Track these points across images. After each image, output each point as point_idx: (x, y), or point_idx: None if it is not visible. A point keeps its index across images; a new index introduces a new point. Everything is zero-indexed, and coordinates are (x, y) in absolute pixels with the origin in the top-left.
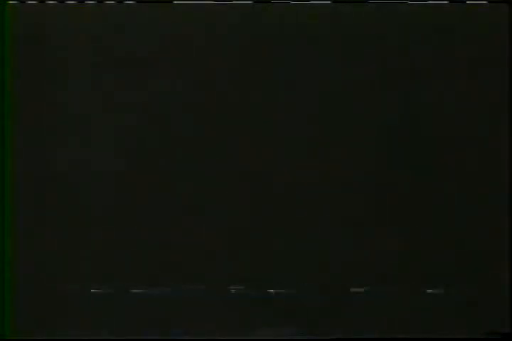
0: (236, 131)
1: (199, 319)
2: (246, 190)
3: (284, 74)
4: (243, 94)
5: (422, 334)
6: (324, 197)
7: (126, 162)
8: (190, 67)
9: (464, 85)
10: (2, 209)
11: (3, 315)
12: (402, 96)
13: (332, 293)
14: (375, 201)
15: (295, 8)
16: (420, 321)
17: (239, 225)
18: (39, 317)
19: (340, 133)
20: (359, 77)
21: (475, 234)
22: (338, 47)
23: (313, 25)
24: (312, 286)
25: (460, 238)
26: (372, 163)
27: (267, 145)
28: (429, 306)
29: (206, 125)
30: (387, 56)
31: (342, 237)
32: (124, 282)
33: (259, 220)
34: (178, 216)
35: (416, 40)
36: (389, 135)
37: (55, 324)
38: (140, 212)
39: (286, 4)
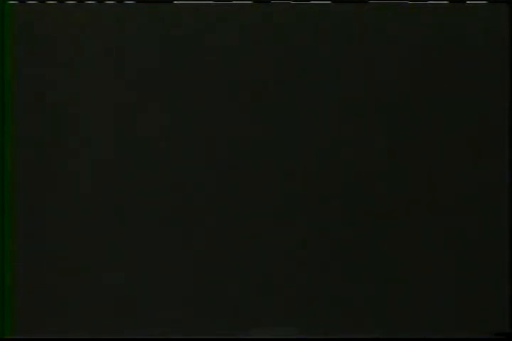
0: (237, 132)
1: None
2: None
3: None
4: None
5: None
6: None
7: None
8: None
9: (463, 85)
10: (2, 210)
11: (3, 315)
12: (402, 95)
13: None
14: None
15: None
16: None
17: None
18: None
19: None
20: (359, 78)
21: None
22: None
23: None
24: None
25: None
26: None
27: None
28: None
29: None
30: (387, 56)
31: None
32: None
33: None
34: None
35: (415, 40)
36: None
37: None
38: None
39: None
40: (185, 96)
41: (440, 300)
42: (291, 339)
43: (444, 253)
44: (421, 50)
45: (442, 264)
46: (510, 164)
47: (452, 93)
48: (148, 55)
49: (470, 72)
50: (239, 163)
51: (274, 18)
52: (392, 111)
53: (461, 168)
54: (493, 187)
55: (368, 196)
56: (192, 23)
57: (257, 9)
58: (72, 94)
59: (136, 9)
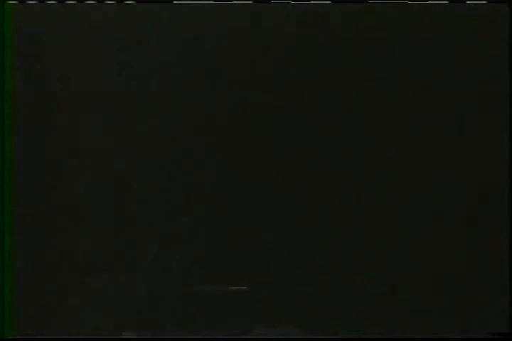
0: (236, 132)
1: None
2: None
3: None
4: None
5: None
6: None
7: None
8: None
9: (463, 85)
10: (2, 209)
11: (3, 315)
12: (400, 94)
13: None
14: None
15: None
16: None
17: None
18: None
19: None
20: (359, 78)
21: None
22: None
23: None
24: None
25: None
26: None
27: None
28: None
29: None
30: (387, 55)
31: None
32: None
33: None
34: None
35: (415, 40)
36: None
37: None
38: None
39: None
40: (185, 97)
41: (440, 300)
42: (291, 339)
43: (443, 252)
44: (420, 50)
45: (442, 264)
46: (511, 164)
47: (452, 93)
48: (149, 55)
49: (469, 72)
50: (238, 162)
51: (274, 18)
52: (390, 112)
53: (460, 168)
54: (493, 188)
55: (366, 197)
56: (192, 22)
57: (257, 9)
58: (72, 94)
59: (136, 9)
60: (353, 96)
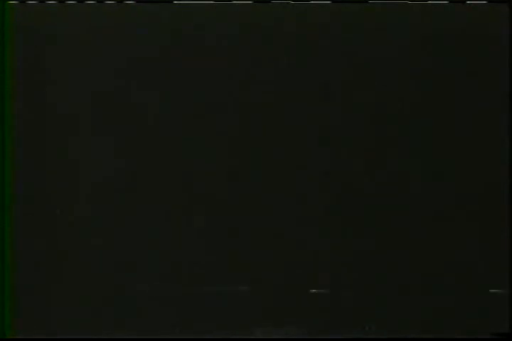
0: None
1: None
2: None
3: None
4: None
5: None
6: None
7: None
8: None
9: (463, 85)
10: (2, 209)
11: (3, 315)
12: (400, 95)
13: None
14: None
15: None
16: None
17: None
18: None
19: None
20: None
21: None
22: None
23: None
24: None
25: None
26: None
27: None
28: None
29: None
30: (384, 56)
31: None
32: None
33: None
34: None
35: (415, 40)
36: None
37: None
38: None
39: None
40: (185, 96)
41: (439, 299)
42: (291, 339)
43: (443, 252)
44: (420, 49)
45: (441, 264)
46: (511, 164)
47: (451, 94)
48: (149, 55)
49: (469, 72)
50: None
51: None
52: (390, 112)
53: (460, 168)
54: (493, 188)
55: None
56: (192, 22)
57: (257, 9)
58: (72, 95)
59: (136, 9)
60: (353, 97)
